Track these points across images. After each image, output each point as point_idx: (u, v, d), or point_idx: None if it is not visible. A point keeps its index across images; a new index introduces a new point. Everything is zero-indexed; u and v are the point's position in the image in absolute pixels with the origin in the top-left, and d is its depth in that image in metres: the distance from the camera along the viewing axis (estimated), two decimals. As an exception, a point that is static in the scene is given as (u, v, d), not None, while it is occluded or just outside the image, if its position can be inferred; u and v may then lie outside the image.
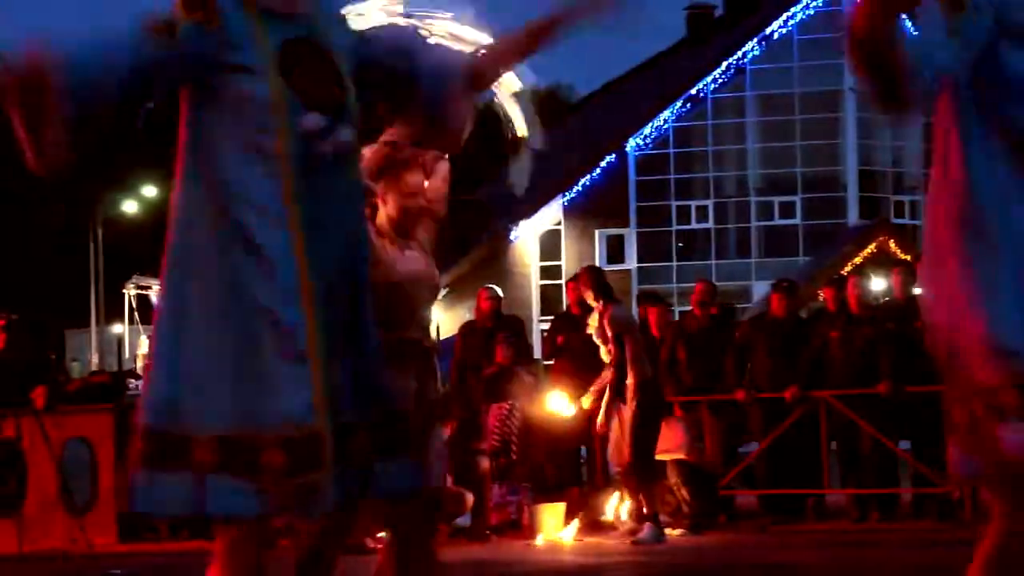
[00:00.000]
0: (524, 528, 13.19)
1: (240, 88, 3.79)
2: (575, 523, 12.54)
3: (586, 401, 12.76)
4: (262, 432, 3.69)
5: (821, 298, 14.46)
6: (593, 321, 12.30)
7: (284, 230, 3.79)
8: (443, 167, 6.94)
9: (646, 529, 11.98)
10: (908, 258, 36.60)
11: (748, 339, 13.96)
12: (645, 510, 12.15)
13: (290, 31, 3.88)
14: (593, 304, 12.38)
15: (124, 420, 13.11)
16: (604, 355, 12.28)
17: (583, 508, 13.13)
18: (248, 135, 3.79)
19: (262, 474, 3.68)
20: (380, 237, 6.80)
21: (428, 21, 5.57)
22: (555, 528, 12.48)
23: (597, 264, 43.09)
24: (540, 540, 12.35)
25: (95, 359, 37.80)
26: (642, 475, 12.23)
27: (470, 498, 12.68)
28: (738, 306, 25.73)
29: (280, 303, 3.76)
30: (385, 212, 6.80)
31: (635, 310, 15.77)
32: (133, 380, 15.04)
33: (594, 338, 12.30)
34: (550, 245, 43.74)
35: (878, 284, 14.65)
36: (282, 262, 3.77)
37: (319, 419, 3.73)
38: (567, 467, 14.05)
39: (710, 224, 44.46)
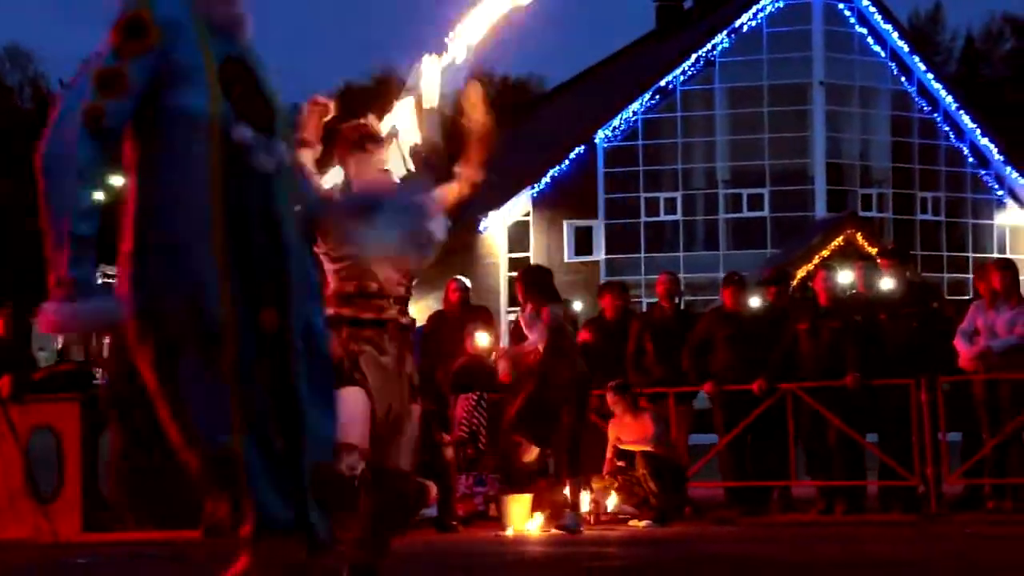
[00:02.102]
0: (492, 519, 13.19)
1: (179, 100, 3.83)
2: (540, 514, 12.53)
3: (504, 373, 13.16)
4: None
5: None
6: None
7: (207, 241, 3.84)
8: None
9: (567, 515, 12.18)
10: (874, 251, 36.71)
11: (706, 333, 13.99)
12: (570, 499, 12.35)
13: (232, 49, 3.92)
14: (520, 302, 12.72)
15: (90, 409, 13.08)
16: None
17: (550, 500, 13.13)
18: (184, 145, 3.82)
19: None
20: None
21: None
22: (522, 519, 12.48)
23: (565, 255, 43.26)
24: (510, 531, 12.36)
25: (61, 348, 37.62)
26: (571, 467, 12.36)
27: (433, 489, 12.67)
28: (706, 298, 25.74)
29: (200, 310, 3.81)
30: (355, 188, 6.83)
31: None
32: (100, 370, 14.97)
33: (523, 326, 12.73)
34: (519, 236, 43.73)
35: (845, 277, 14.68)
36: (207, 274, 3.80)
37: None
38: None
39: (678, 216, 44.49)
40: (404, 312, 7.10)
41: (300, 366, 3.95)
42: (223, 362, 3.80)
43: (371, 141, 6.94)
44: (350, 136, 6.99)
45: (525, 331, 12.56)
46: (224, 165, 3.86)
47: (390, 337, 6.94)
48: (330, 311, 6.75)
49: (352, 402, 6.63)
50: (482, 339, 13.67)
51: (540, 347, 12.31)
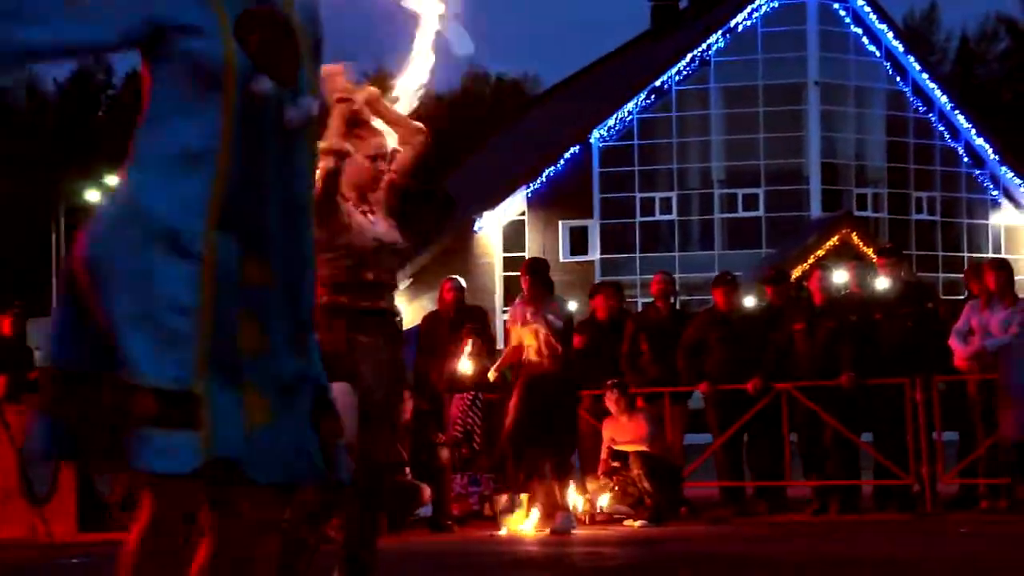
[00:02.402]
0: (487, 519, 13.20)
1: (190, 48, 3.72)
2: (535, 514, 12.52)
3: (491, 374, 13.09)
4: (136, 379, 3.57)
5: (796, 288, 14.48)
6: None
7: (207, 184, 3.70)
8: (419, 140, 6.98)
9: (560, 517, 12.22)
10: (870, 251, 36.73)
11: (699, 333, 13.99)
12: (559, 500, 12.38)
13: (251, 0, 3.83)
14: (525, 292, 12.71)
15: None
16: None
17: (543, 500, 13.14)
18: (197, 95, 3.72)
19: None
20: (344, 201, 6.84)
21: None
22: (517, 519, 12.48)
23: (561, 255, 43.24)
24: (504, 531, 12.37)
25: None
26: (559, 469, 12.51)
27: (427, 490, 12.67)
28: (701, 298, 25.74)
29: (179, 249, 3.67)
30: (346, 175, 6.82)
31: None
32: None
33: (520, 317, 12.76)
34: (514, 236, 43.74)
35: (840, 277, 14.69)
36: (192, 208, 3.70)
37: (197, 381, 3.64)
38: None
39: (674, 216, 44.51)
40: (392, 303, 7.12)
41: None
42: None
43: (363, 124, 6.89)
44: (348, 115, 6.91)
45: (522, 321, 12.56)
46: (241, 119, 3.76)
47: (385, 327, 6.96)
48: (324, 299, 6.77)
49: (339, 398, 6.63)
50: (465, 367, 13.63)
51: (543, 333, 12.33)
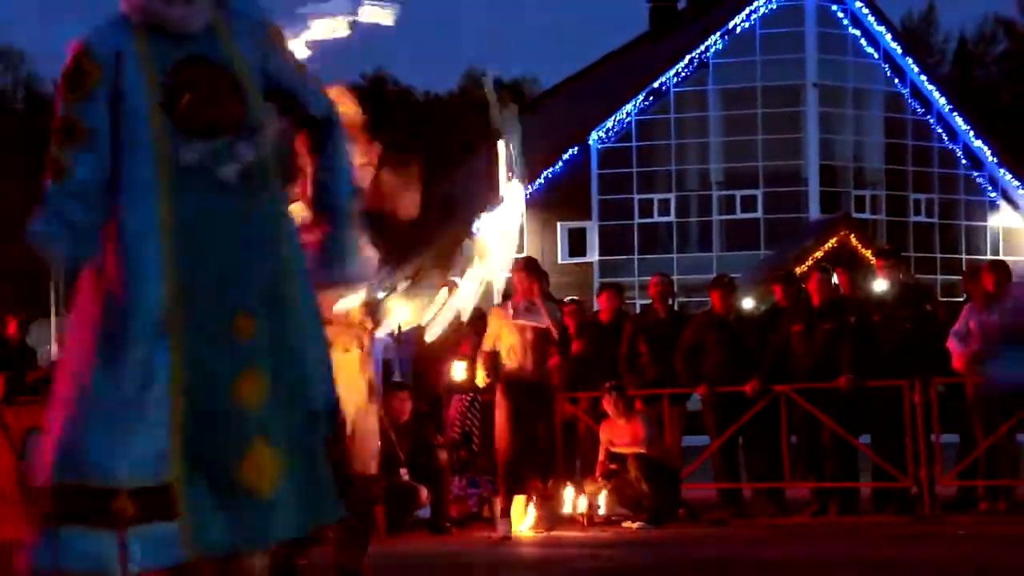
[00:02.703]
0: (485, 520, 13.19)
1: (128, 126, 3.75)
2: (532, 515, 12.50)
3: (480, 379, 12.62)
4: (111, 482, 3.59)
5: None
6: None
7: (157, 263, 3.74)
8: (374, 156, 6.91)
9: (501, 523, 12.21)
10: (868, 253, 36.74)
11: (697, 336, 13.99)
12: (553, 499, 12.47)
13: (183, 51, 3.79)
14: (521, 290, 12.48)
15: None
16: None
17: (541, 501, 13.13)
18: (136, 170, 3.73)
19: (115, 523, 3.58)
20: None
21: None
22: (515, 520, 12.47)
23: (559, 257, 43.19)
24: (508, 532, 12.34)
25: (55, 350, 37.60)
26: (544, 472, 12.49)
27: (424, 492, 12.67)
28: (700, 299, 25.73)
29: (143, 339, 3.69)
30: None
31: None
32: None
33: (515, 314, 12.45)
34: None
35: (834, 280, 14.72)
36: (149, 290, 3.71)
37: (172, 469, 3.63)
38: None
39: (672, 218, 44.48)
40: (369, 314, 7.09)
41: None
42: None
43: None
44: None
45: (518, 319, 12.36)
46: (176, 187, 3.75)
47: (354, 338, 6.93)
48: None
49: None
50: (458, 371, 13.56)
51: (530, 334, 12.24)
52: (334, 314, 6.77)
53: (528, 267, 12.65)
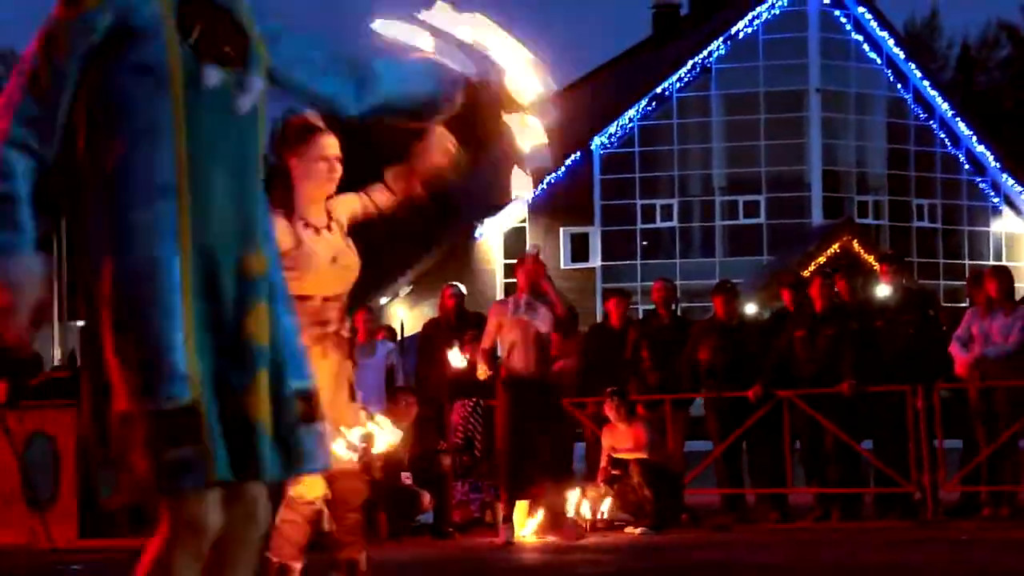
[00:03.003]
0: (488, 525, 13.18)
1: (136, 58, 3.71)
2: (536, 519, 12.48)
3: (481, 372, 12.27)
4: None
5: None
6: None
7: (173, 203, 3.70)
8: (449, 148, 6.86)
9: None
10: (871, 258, 36.74)
11: (700, 342, 13.97)
12: (563, 509, 12.30)
13: None
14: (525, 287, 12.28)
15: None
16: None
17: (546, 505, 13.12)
18: (146, 102, 3.73)
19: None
20: (297, 220, 6.80)
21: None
22: (518, 525, 12.45)
23: (561, 262, 43.21)
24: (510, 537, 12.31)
25: (57, 354, 37.63)
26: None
27: (427, 497, 12.66)
28: (702, 305, 25.71)
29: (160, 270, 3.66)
30: (297, 184, 6.80)
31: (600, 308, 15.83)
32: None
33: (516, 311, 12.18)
34: (515, 243, 43.71)
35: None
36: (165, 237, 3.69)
37: (195, 391, 3.63)
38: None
39: (674, 223, 44.53)
40: (344, 319, 7.07)
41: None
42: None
43: (312, 130, 6.81)
44: (295, 127, 6.86)
45: (519, 316, 12.04)
46: (191, 115, 3.73)
47: (333, 344, 6.92)
48: None
49: None
50: (455, 359, 13.40)
51: (534, 331, 12.03)
52: (311, 319, 6.75)
53: (533, 260, 12.45)
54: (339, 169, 6.86)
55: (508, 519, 12.03)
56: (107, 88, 3.74)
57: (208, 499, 3.70)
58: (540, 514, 12.30)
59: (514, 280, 12.77)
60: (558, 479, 12.44)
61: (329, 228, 6.86)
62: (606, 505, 13.31)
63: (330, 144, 6.81)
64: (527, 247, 11.56)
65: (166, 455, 3.58)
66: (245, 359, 3.71)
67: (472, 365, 12.66)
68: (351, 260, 6.91)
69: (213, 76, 3.74)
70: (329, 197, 6.90)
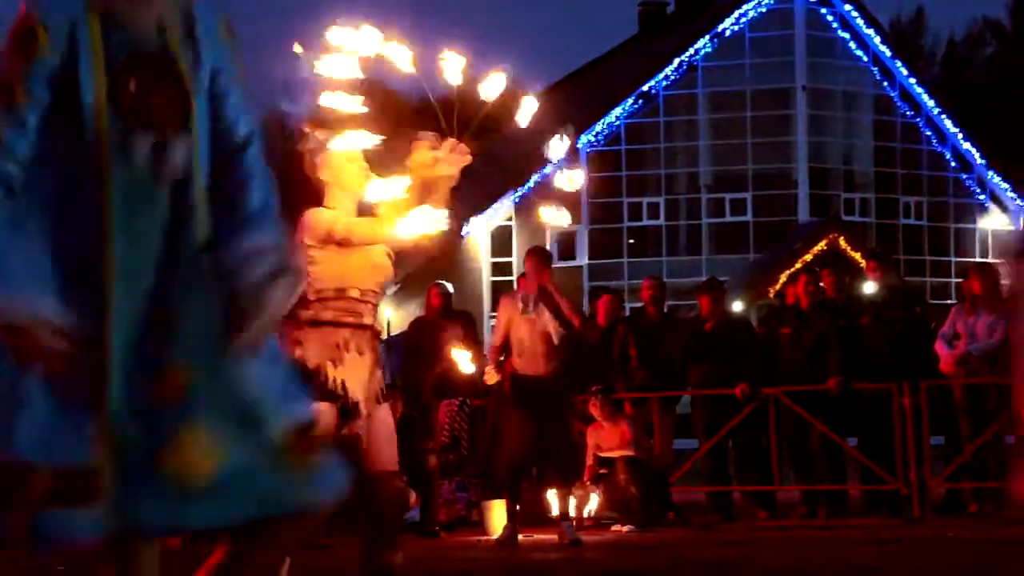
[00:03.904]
0: (474, 524, 13.18)
1: (71, 114, 3.66)
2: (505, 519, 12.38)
3: (491, 378, 12.10)
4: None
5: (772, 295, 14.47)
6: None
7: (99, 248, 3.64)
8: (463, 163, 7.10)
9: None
10: (858, 255, 36.76)
11: (687, 339, 13.99)
12: (562, 510, 12.15)
13: (135, 41, 3.73)
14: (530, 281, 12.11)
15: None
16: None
17: (532, 504, 13.11)
18: (72, 164, 3.66)
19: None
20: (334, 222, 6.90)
21: None
22: (495, 524, 12.41)
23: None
24: (499, 536, 12.26)
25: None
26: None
27: (413, 495, 12.65)
28: (689, 303, 25.71)
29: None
30: (330, 194, 6.89)
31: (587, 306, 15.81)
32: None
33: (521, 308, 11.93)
34: (501, 241, 43.69)
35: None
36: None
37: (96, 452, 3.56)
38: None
39: (661, 221, 44.50)
40: (376, 316, 7.16)
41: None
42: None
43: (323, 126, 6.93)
44: (316, 132, 6.98)
45: (527, 313, 11.79)
46: (109, 171, 3.66)
47: (367, 342, 6.99)
48: (309, 313, 6.81)
49: (323, 414, 6.66)
50: (464, 363, 12.78)
51: (543, 326, 11.80)
52: (346, 312, 6.84)
53: (538, 255, 12.16)
54: (366, 164, 7.03)
55: (512, 517, 11.85)
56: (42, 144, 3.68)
57: None
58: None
59: (500, 278, 12.73)
60: (567, 479, 12.37)
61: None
62: (593, 503, 13.31)
63: (352, 149, 6.95)
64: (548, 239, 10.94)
65: None
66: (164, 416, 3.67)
67: (481, 367, 12.50)
68: (383, 258, 7.03)
69: (140, 146, 3.68)
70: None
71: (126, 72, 3.68)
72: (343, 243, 6.90)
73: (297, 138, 7.05)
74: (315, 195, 7.10)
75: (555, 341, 11.78)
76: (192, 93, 3.77)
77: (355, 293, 6.94)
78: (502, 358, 11.97)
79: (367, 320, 7.01)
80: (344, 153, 6.96)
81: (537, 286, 11.84)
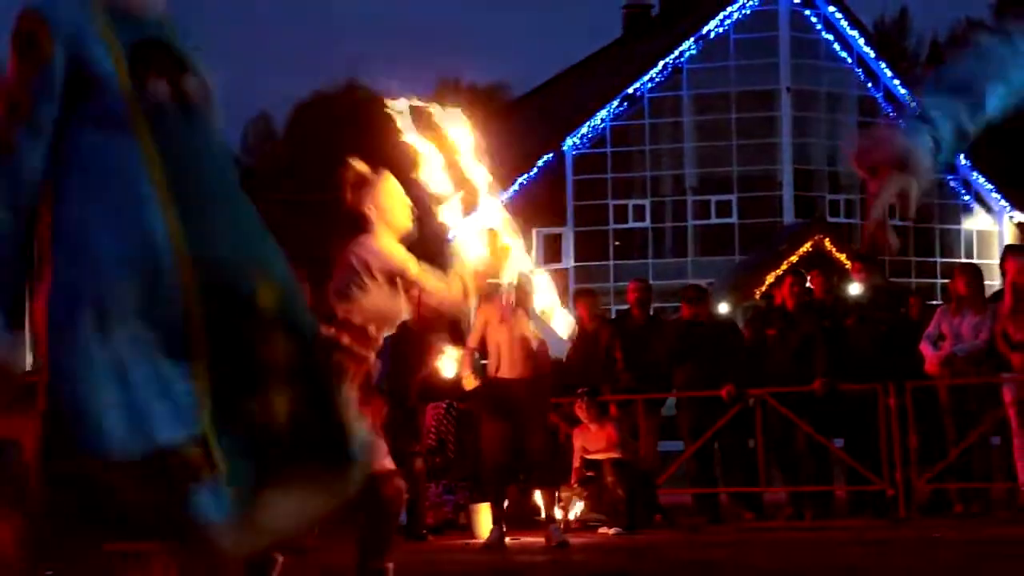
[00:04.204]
0: (461, 527, 13.17)
1: (92, 106, 3.66)
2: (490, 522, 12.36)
3: (468, 383, 11.97)
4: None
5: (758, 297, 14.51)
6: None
7: (159, 215, 3.65)
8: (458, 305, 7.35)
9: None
10: (843, 257, 36.81)
11: (673, 341, 13.99)
12: (548, 513, 12.12)
13: (141, 33, 3.75)
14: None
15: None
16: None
17: (519, 506, 13.12)
18: (106, 145, 3.66)
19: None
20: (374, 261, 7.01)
21: None
22: (482, 527, 12.40)
23: (534, 264, 43.06)
24: (485, 539, 12.25)
25: (28, 359, 37.55)
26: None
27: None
28: (674, 305, 25.72)
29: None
30: (376, 236, 7.00)
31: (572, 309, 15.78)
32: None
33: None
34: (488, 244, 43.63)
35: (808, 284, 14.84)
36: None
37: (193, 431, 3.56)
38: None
39: (647, 223, 44.52)
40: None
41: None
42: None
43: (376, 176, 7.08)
44: (358, 176, 7.10)
45: (508, 316, 11.76)
46: (156, 144, 3.67)
47: (361, 376, 7.06)
48: (330, 331, 6.87)
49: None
50: (447, 367, 12.76)
51: (521, 333, 11.76)
52: (359, 345, 6.91)
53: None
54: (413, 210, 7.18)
55: (498, 521, 11.84)
56: (69, 143, 3.68)
57: None
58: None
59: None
60: (551, 483, 12.36)
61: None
62: (579, 506, 13.32)
63: (397, 186, 7.06)
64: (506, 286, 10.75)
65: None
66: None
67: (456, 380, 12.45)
68: (401, 307, 7.16)
69: (163, 89, 3.70)
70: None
71: (139, 58, 3.69)
72: (405, 286, 7.00)
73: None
74: (353, 223, 7.18)
75: (533, 345, 11.75)
76: (192, 69, 3.81)
77: (373, 330, 7.00)
78: (483, 362, 11.98)
79: (370, 357, 7.07)
80: (393, 191, 7.07)
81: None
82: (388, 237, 7.13)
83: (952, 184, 45.38)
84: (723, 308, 15.14)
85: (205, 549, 3.58)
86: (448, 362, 12.64)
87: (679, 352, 13.82)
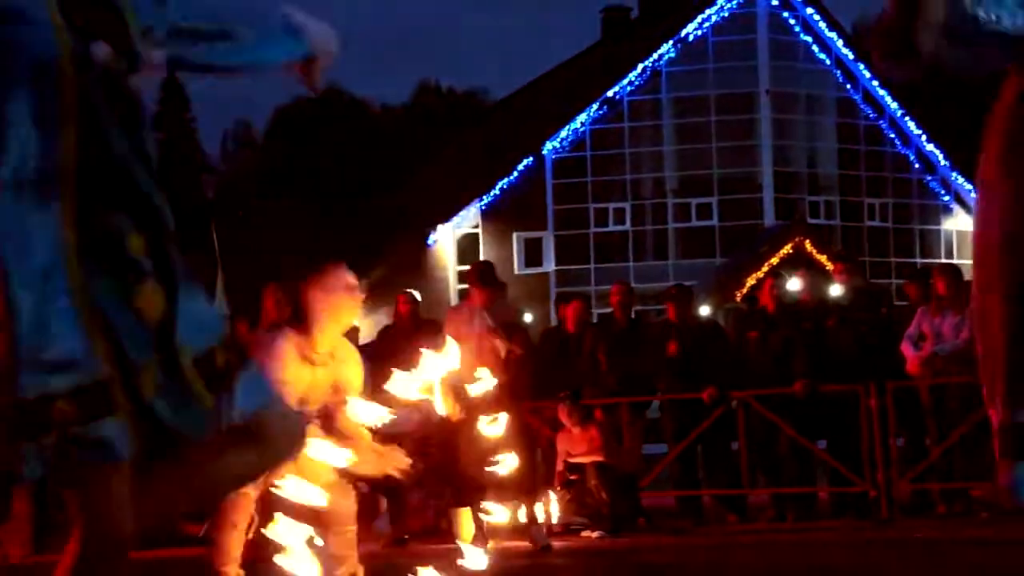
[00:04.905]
0: (443, 532, 13.15)
1: (15, 37, 3.56)
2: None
3: (453, 412, 11.25)
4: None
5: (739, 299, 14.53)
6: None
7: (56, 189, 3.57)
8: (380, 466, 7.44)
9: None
10: (824, 258, 36.86)
11: (654, 344, 14.00)
12: (530, 515, 12.08)
13: None
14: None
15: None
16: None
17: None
18: (32, 85, 3.56)
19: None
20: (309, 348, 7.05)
21: None
22: (464, 533, 12.36)
23: (515, 267, 43.18)
24: (486, 546, 12.17)
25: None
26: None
27: (383, 503, 12.62)
28: (656, 308, 25.73)
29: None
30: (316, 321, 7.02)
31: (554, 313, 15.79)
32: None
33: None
34: (468, 249, 43.68)
35: (795, 284, 14.82)
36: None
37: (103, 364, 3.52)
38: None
39: (627, 226, 44.55)
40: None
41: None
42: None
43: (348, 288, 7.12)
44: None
45: (474, 330, 11.73)
46: (80, 99, 3.59)
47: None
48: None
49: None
50: (440, 406, 12.60)
51: (500, 349, 11.74)
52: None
53: (477, 273, 12.23)
54: (360, 297, 7.23)
55: (480, 528, 11.79)
56: None
57: None
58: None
59: (467, 286, 12.58)
60: (529, 493, 12.31)
61: (333, 356, 7.21)
62: (562, 509, 13.30)
63: (349, 274, 7.09)
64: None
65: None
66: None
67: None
68: (350, 385, 7.27)
69: (102, 49, 3.64)
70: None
71: (72, 5, 3.63)
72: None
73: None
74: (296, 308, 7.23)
75: (502, 355, 11.73)
76: (131, 25, 3.74)
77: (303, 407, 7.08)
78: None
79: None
80: (346, 287, 7.12)
81: (484, 300, 11.87)
82: (333, 330, 7.19)
83: (932, 185, 45.48)
84: (704, 310, 15.13)
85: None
86: (439, 403, 12.59)
87: (662, 355, 13.81)
